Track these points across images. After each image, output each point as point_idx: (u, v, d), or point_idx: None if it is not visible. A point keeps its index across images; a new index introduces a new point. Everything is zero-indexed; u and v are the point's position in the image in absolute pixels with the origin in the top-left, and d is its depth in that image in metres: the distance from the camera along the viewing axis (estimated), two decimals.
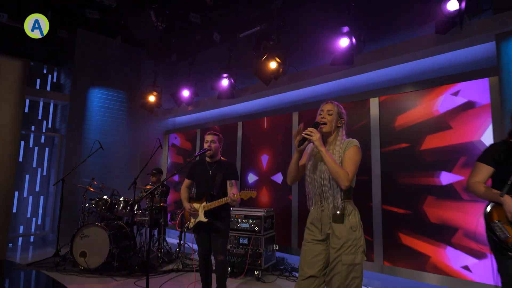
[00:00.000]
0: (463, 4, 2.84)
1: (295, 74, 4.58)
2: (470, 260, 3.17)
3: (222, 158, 3.28)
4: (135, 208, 4.64)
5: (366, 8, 4.04)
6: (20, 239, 5.98)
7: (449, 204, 3.34)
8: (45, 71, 6.50)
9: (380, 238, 3.75)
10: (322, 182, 2.12)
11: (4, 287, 3.79)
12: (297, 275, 4.07)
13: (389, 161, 3.81)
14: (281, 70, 4.37)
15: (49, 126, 6.51)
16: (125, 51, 6.72)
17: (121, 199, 4.71)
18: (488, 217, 2.13)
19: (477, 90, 3.25)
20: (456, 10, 2.91)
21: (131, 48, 6.79)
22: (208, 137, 3.18)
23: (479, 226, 3.05)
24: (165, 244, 5.14)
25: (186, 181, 3.30)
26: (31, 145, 6.23)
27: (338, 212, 2.05)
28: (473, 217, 3.17)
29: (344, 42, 3.65)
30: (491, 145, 2.27)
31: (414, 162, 3.62)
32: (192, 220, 3.10)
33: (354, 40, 3.62)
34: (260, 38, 4.26)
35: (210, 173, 3.16)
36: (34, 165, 6.26)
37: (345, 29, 3.57)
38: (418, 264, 3.47)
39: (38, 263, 4.50)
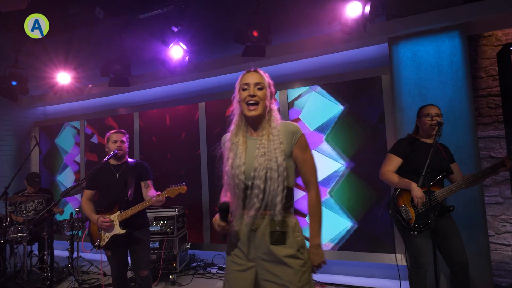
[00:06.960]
0: (367, 9, 3.11)
1: (203, 63, 4.32)
2: None
3: (128, 158, 2.87)
4: (7, 224, 3.70)
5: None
6: None
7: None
8: None
9: None
10: (255, 182, 1.47)
11: None
12: (211, 270, 4.00)
13: None
14: (187, 58, 4.05)
15: None
16: None
17: None
18: (396, 202, 2.45)
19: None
20: (359, 14, 3.18)
21: None
22: (117, 136, 2.73)
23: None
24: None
25: (87, 192, 2.75)
26: None
27: (277, 228, 1.46)
28: None
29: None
30: (400, 140, 2.60)
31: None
32: (105, 235, 2.62)
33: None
34: (165, 23, 3.79)
35: (118, 177, 2.73)
36: None
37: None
38: None
39: None
